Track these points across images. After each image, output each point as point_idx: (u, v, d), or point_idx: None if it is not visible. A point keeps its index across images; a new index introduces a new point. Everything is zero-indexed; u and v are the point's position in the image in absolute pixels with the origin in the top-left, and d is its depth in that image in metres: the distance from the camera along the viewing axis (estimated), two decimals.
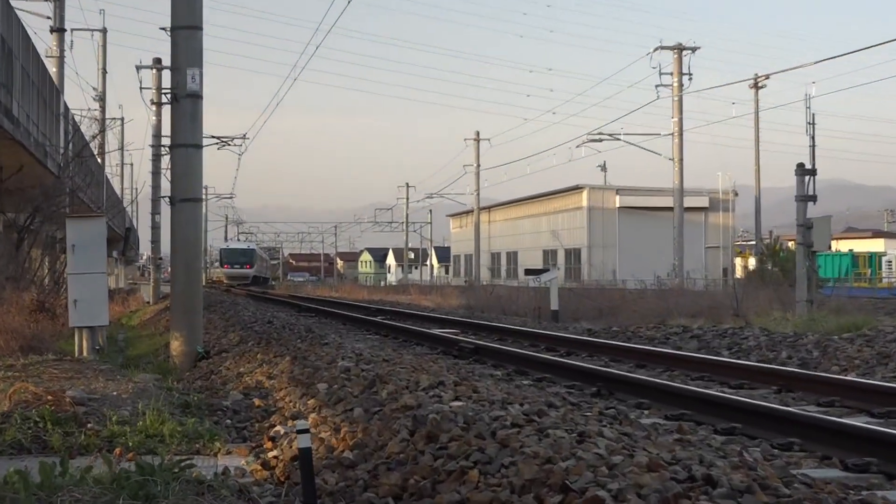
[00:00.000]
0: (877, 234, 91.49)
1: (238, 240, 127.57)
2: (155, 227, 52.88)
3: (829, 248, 41.50)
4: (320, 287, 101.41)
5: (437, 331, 23.04)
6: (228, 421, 9.99)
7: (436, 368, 12.21)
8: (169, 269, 20.81)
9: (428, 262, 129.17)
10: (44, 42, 38.06)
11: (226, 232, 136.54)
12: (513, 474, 5.72)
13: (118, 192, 71.61)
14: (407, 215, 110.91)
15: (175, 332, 17.11)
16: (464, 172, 79.78)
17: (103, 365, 14.38)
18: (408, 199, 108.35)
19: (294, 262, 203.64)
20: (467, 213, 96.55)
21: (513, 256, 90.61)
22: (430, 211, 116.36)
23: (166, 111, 51.77)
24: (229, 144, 58.55)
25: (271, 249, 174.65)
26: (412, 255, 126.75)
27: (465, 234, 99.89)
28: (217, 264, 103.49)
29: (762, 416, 9.60)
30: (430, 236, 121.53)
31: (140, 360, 18.52)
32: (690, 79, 52.44)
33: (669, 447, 6.46)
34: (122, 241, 56.39)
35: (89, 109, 53.70)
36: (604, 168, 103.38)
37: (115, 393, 10.67)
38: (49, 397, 9.36)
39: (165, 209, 20.20)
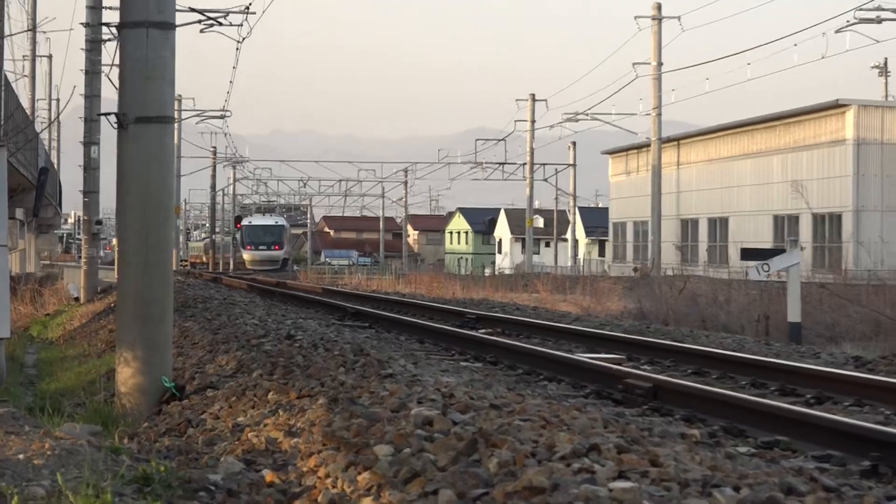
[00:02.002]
0: None
1: (244, 202, 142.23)
2: (91, 168, 53.44)
3: None
4: (378, 276, 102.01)
5: (584, 356, 23.02)
6: None
7: (584, 422, 12.20)
8: (114, 242, 21.01)
9: (569, 235, 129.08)
10: None
11: (213, 175, 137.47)
12: None
13: (27, 105, 72.66)
14: (531, 151, 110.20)
15: (125, 351, 17.30)
16: (634, 76, 79.47)
17: (1, 407, 14.58)
18: (532, 122, 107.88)
19: (332, 233, 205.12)
20: (638, 148, 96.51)
21: (720, 226, 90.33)
22: (573, 144, 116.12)
23: None
24: (221, 24, 58.82)
25: (291, 210, 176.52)
26: (541, 222, 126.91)
27: (634, 186, 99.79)
28: (197, 232, 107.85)
29: None
30: (573, 189, 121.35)
31: (64, 398, 18.76)
32: None
33: None
34: (33, 191, 57.16)
35: None
36: (884, 70, 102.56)
37: (20, 456, 10.81)
38: None
39: (109, 135, 20.38)
